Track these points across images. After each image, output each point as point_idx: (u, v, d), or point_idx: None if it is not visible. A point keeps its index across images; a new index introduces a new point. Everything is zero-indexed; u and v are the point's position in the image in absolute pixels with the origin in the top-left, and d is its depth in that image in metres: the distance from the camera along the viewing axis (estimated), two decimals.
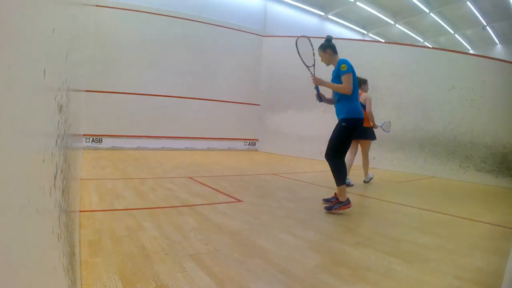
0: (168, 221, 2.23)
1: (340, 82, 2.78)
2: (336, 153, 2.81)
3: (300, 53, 3.03)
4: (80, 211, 2.33)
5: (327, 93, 3.06)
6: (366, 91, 4.59)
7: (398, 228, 2.42)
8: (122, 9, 7.96)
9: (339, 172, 2.78)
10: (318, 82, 2.87)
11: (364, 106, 4.32)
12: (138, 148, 8.21)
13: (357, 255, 1.80)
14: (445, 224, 2.63)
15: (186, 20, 8.76)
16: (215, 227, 2.17)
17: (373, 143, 6.84)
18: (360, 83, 4.53)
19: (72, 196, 1.31)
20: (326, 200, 3.12)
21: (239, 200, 3.05)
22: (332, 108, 3.05)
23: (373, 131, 4.58)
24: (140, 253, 1.65)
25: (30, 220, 0.41)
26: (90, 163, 5.10)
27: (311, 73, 2.94)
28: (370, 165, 6.83)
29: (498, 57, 8.97)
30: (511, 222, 2.77)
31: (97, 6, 7.04)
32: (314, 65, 3.01)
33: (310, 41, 3.02)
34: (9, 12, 0.29)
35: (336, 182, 2.79)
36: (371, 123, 4.50)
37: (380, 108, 6.79)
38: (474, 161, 5.37)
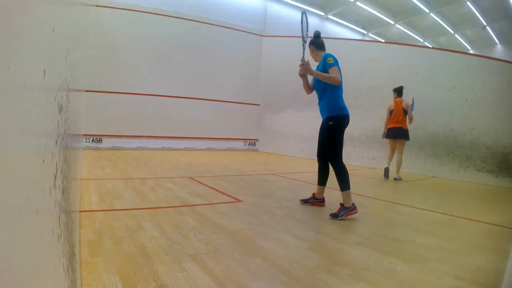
0: (168, 221, 2.23)
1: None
2: (334, 153, 2.76)
3: (303, 25, 2.92)
4: (80, 211, 2.32)
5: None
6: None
7: (398, 228, 2.42)
8: (122, 9, 7.96)
9: (343, 175, 2.68)
10: (306, 71, 2.78)
11: (405, 112, 5.07)
12: (138, 148, 8.21)
13: (357, 255, 1.80)
14: (445, 224, 2.63)
15: (186, 20, 8.76)
16: (215, 227, 2.17)
17: (373, 143, 6.87)
18: (399, 91, 5.26)
19: (72, 196, 1.31)
20: (304, 201, 3.05)
21: (239, 200, 3.05)
22: None
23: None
24: (140, 253, 1.65)
25: (30, 220, 0.41)
26: (90, 163, 5.10)
27: (303, 55, 2.84)
28: (371, 165, 6.84)
29: (498, 57, 8.96)
30: (511, 222, 2.77)
31: (97, 6, 7.04)
32: (306, 43, 2.93)
33: (307, 18, 2.98)
34: (9, 12, 0.29)
35: (341, 187, 2.68)
36: (410, 123, 5.15)
37: (380, 108, 6.80)
38: (474, 161, 5.37)
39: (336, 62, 2.71)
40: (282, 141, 9.26)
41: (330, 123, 2.75)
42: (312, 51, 2.95)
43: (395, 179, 5.06)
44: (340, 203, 2.67)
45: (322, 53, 2.88)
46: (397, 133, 5.10)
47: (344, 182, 2.68)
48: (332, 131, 2.76)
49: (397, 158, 5.18)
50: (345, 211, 2.61)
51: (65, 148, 0.89)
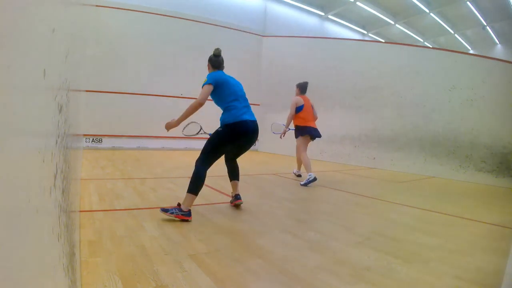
0: (168, 221, 2.23)
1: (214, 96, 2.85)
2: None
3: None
4: (80, 211, 2.32)
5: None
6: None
7: (398, 228, 2.42)
8: (122, 9, 7.96)
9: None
10: (170, 127, 2.85)
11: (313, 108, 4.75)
12: (138, 148, 8.20)
13: (357, 255, 1.80)
14: (445, 224, 2.62)
15: (186, 20, 8.76)
16: (215, 227, 2.17)
17: (373, 143, 6.88)
18: (302, 87, 4.86)
19: (72, 196, 1.31)
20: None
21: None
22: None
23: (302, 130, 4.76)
24: (140, 253, 1.65)
25: (30, 220, 0.40)
26: (90, 163, 5.10)
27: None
28: (370, 165, 6.84)
29: (498, 57, 8.96)
30: (511, 222, 2.77)
31: (97, 6, 7.04)
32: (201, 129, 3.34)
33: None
34: (9, 12, 0.29)
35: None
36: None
37: (380, 108, 6.80)
38: (474, 161, 5.36)
39: (208, 80, 2.70)
40: (282, 141, 9.24)
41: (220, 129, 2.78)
42: (208, 68, 2.94)
43: (295, 173, 5.03)
44: (179, 203, 2.42)
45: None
46: (317, 132, 4.65)
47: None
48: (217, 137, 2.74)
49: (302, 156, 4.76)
50: (177, 212, 2.30)
51: (65, 148, 0.89)
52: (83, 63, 2.61)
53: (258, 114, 10.03)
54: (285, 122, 4.87)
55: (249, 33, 9.91)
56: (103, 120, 7.77)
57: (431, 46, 14.02)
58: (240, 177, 4.55)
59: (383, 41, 14.22)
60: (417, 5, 11.62)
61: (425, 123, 6.04)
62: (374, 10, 12.28)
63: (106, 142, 7.90)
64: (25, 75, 0.37)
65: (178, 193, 3.21)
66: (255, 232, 2.14)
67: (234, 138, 2.72)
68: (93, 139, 7.73)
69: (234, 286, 1.38)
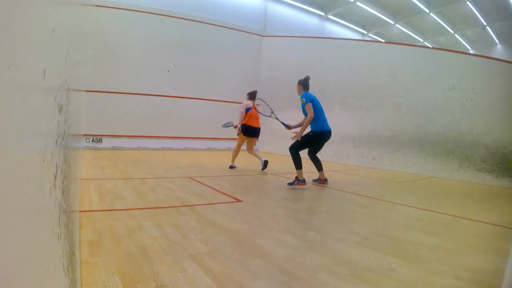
0: (168, 221, 2.23)
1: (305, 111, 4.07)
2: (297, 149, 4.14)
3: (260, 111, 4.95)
4: (80, 211, 2.33)
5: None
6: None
7: (398, 228, 2.42)
8: (122, 9, 7.96)
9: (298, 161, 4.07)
10: (299, 135, 4.05)
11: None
12: (138, 148, 8.20)
13: (357, 255, 1.80)
14: (445, 224, 2.63)
15: (186, 20, 8.76)
16: (215, 227, 2.17)
17: (373, 143, 6.88)
18: (251, 95, 5.79)
19: (72, 196, 1.31)
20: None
21: (239, 200, 3.05)
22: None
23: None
24: (140, 253, 1.65)
25: (30, 220, 0.41)
26: (90, 163, 5.10)
27: (283, 124, 4.67)
28: (370, 165, 6.84)
29: (498, 57, 8.96)
30: (511, 222, 2.77)
31: (97, 6, 7.04)
32: (272, 112, 4.82)
33: (262, 100, 4.88)
34: (9, 12, 0.29)
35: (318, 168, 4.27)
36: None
37: (380, 108, 6.80)
38: (474, 161, 5.36)
39: (307, 100, 4.00)
40: (282, 141, 9.24)
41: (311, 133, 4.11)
42: (299, 89, 4.32)
43: (261, 169, 5.33)
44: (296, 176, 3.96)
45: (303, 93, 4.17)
46: (256, 133, 5.53)
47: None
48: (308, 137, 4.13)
49: (253, 154, 5.56)
50: (297, 181, 3.95)
51: (65, 148, 0.89)
52: (83, 63, 2.61)
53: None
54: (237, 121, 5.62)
55: (249, 33, 9.91)
56: (103, 120, 7.77)
57: (431, 46, 14.02)
58: (240, 177, 4.59)
59: (383, 41, 14.22)
60: (417, 5, 11.62)
61: (425, 123, 6.04)
62: (374, 10, 12.27)
63: (106, 142, 7.90)
64: (25, 75, 0.37)
65: (178, 193, 3.21)
66: (255, 232, 2.14)
67: (318, 141, 4.13)
68: (93, 139, 7.73)
69: (234, 286, 1.38)
